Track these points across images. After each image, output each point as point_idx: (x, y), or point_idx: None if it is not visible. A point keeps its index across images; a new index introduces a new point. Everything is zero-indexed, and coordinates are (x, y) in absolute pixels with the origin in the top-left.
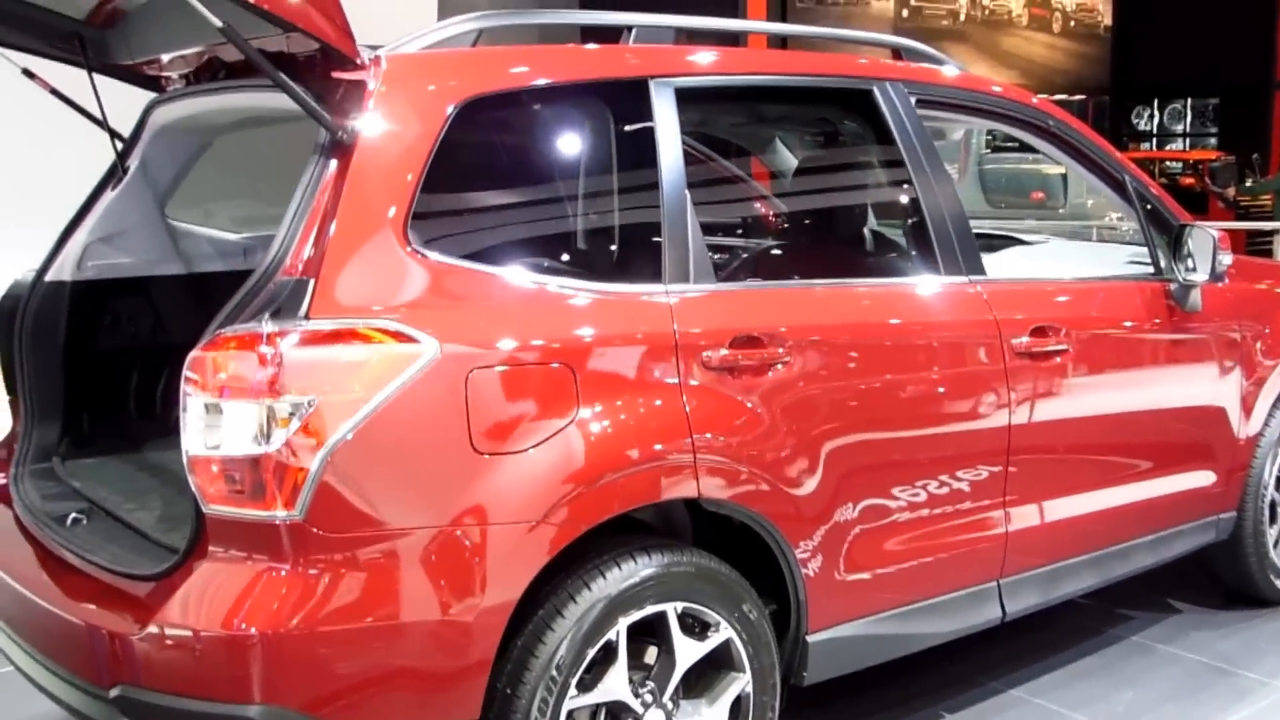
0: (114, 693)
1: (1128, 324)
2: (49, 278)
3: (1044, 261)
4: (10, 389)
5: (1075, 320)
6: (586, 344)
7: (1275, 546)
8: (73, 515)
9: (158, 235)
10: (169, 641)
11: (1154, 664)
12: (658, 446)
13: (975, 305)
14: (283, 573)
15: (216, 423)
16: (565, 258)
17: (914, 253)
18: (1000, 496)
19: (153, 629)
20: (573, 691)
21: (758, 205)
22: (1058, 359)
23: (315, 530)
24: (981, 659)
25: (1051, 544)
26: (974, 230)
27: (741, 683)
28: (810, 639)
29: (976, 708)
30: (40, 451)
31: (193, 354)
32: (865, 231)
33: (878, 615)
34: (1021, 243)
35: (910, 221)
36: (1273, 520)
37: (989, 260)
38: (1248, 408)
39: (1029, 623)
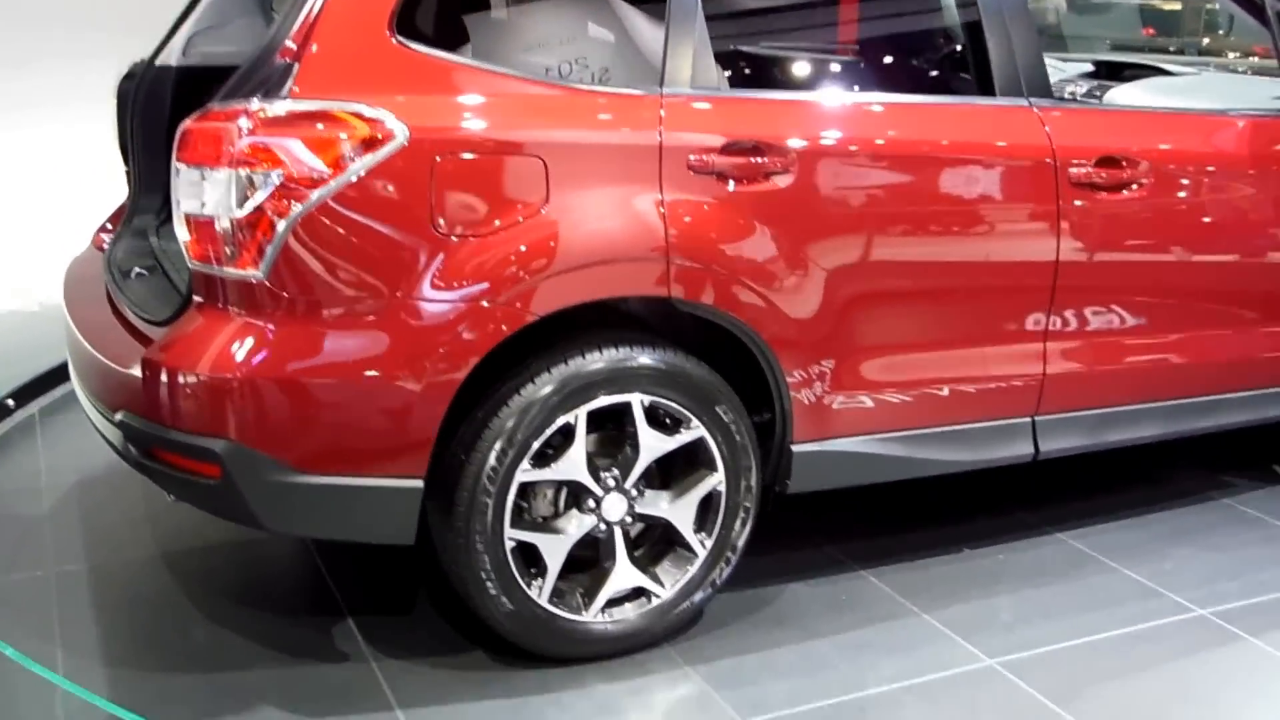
0: (118, 417)
1: (1232, 161)
2: (159, 62)
3: (1174, 94)
4: (126, 160)
5: (1160, 153)
6: (563, 139)
7: None
8: (136, 270)
9: (256, 27)
10: (155, 377)
11: (1228, 526)
12: (628, 242)
13: (1025, 128)
14: (250, 326)
15: (201, 188)
16: (553, 60)
17: (958, 71)
18: (1041, 333)
19: (146, 366)
20: (526, 465)
21: (772, 8)
22: (1128, 192)
23: (279, 291)
24: (1050, 510)
25: (1103, 387)
26: (1113, 59)
27: (713, 481)
28: (795, 449)
29: (1014, 545)
30: (141, 218)
31: (185, 124)
32: (900, 46)
33: (879, 434)
34: (1165, 73)
35: (955, 38)
36: None
37: (1110, 90)
38: None
39: (1108, 477)
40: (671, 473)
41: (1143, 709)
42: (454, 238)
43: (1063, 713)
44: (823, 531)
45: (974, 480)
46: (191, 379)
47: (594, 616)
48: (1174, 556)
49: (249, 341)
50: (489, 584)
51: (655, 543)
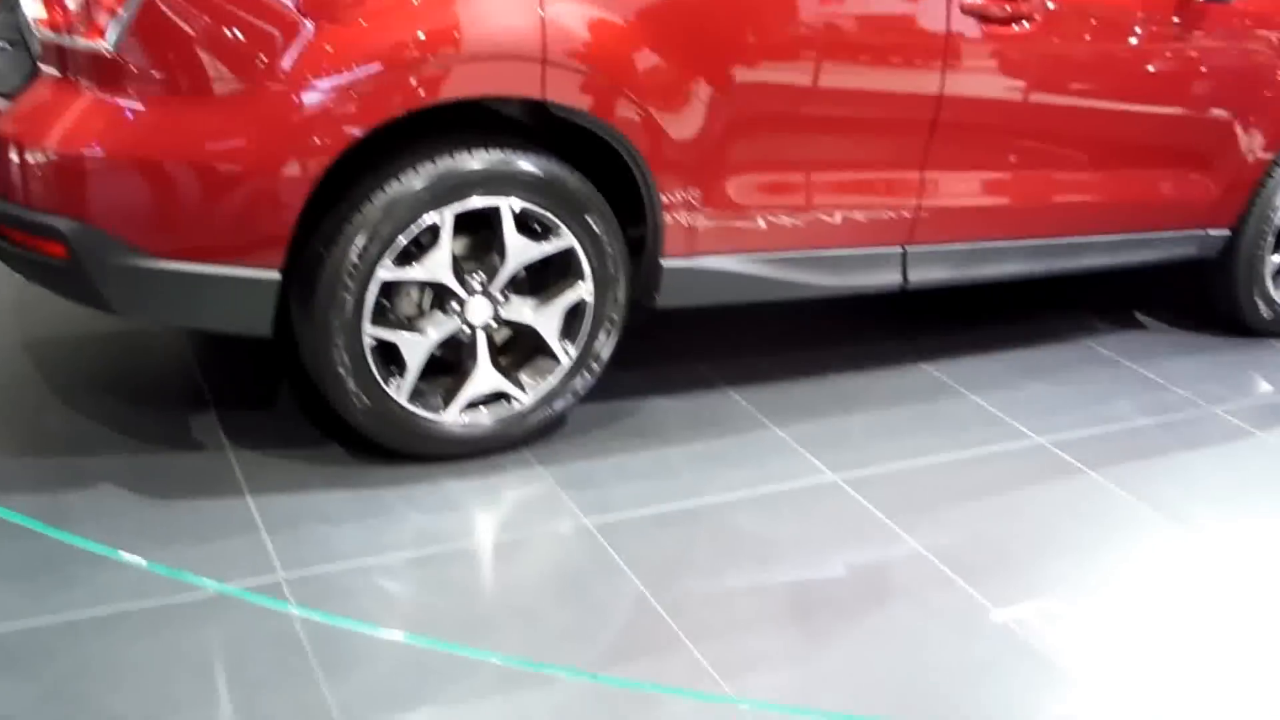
0: None
1: (1125, 10)
2: None
3: None
4: None
5: None
6: None
7: (1276, 277)
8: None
9: None
10: (1, 151)
11: (1083, 365)
12: (502, 39)
13: None
14: (100, 102)
15: None
16: None
17: None
18: (917, 165)
19: None
20: (388, 262)
21: None
22: (1019, 28)
23: (130, 66)
24: (921, 342)
25: (975, 222)
26: None
27: (581, 291)
28: (665, 264)
29: (878, 373)
30: None
31: None
32: None
33: (749, 254)
34: None
35: None
36: (1277, 248)
37: None
38: (1264, 125)
39: (979, 315)
40: (543, 283)
41: (968, 525)
42: (315, 20)
43: (892, 524)
44: (696, 351)
45: (851, 309)
46: (36, 154)
47: (452, 418)
48: (1026, 389)
49: (97, 117)
50: (347, 380)
51: (521, 350)
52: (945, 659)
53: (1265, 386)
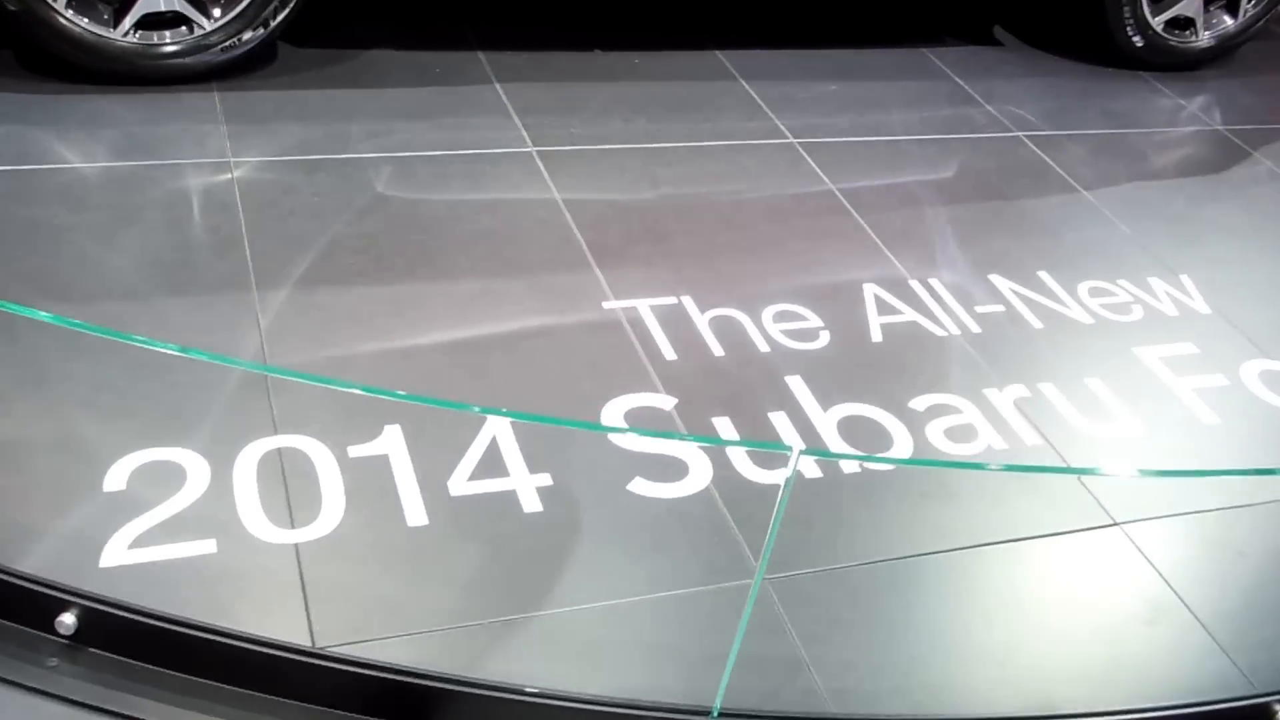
0: None
1: None
2: None
3: None
4: None
5: None
6: None
7: (1153, 1)
8: None
9: None
10: None
11: (902, 74)
12: None
13: None
14: None
15: None
16: None
17: None
18: None
19: None
20: None
21: None
22: None
23: None
24: (733, 39)
25: None
26: None
27: None
28: None
29: (662, 53)
30: None
31: None
32: None
33: None
34: None
35: None
36: None
37: None
38: None
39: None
40: None
41: (695, 208)
42: None
43: (558, 195)
44: (464, 21)
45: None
46: None
47: (121, 35)
48: (815, 89)
49: None
50: None
51: None
52: None
53: (1088, 118)
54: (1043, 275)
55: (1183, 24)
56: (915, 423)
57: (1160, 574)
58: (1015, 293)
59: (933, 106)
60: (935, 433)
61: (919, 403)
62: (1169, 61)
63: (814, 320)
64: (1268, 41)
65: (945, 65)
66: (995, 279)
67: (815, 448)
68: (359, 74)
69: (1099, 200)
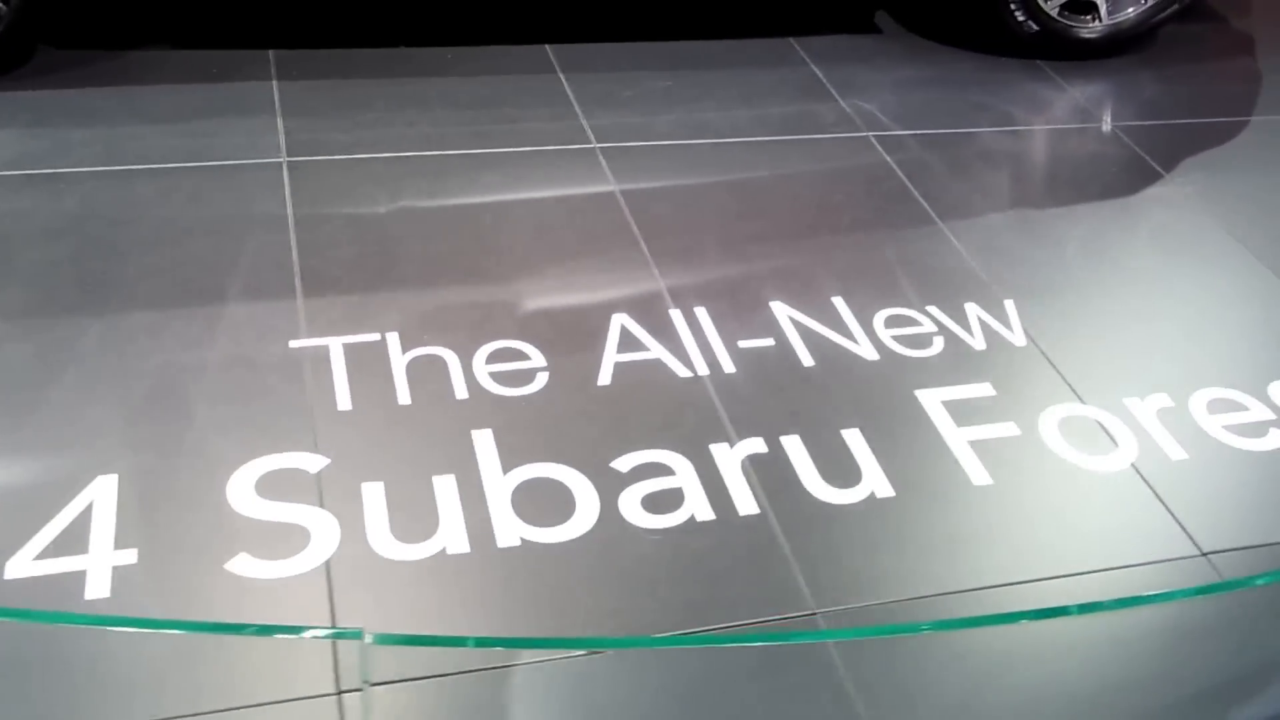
0: None
1: None
2: None
3: None
4: None
5: None
6: None
7: None
8: None
9: None
10: None
11: (753, 64)
12: None
13: None
14: None
15: None
16: None
17: None
18: None
19: None
20: None
21: None
22: None
23: None
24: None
25: None
26: None
27: None
28: None
29: (484, 49)
30: None
31: None
32: None
33: None
34: None
35: None
36: None
37: None
38: None
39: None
40: None
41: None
42: None
43: (290, 212)
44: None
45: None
46: None
47: None
48: (647, 88)
49: None
50: None
51: None
52: None
53: (956, 115)
54: (837, 302)
55: (1083, 8)
56: (611, 487)
57: None
58: (795, 323)
59: (779, 103)
60: (630, 500)
61: (625, 462)
62: (1068, 50)
63: (535, 360)
64: (1204, 24)
65: (809, 56)
66: (777, 306)
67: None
68: (121, 75)
69: (936, 211)
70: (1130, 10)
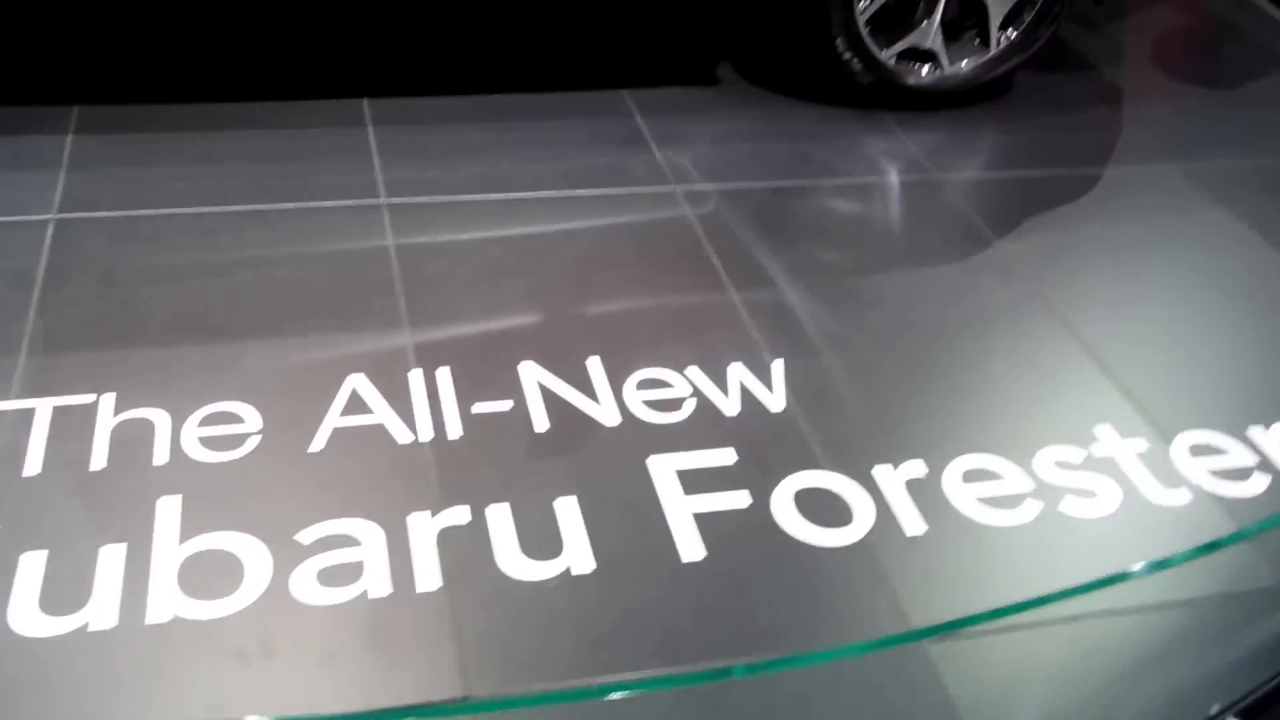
0: None
1: None
2: None
3: None
4: None
5: None
6: None
7: (880, 25)
8: None
9: None
10: None
11: (575, 114)
12: None
13: None
14: None
15: None
16: None
17: None
18: None
19: None
20: None
21: None
22: None
23: None
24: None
25: None
26: None
27: None
28: None
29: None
30: None
31: None
32: None
33: None
34: None
35: None
36: None
37: None
38: None
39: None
40: None
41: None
42: None
43: (41, 270)
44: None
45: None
46: None
47: None
48: (458, 141)
49: None
50: None
51: None
52: None
53: (776, 168)
54: (592, 363)
55: (923, 56)
56: (289, 560)
57: None
58: (541, 386)
59: (591, 156)
60: (305, 574)
61: (311, 533)
62: (908, 100)
63: (250, 424)
64: (1069, 73)
65: (638, 108)
66: (526, 368)
67: None
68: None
69: (726, 268)
70: (964, 64)
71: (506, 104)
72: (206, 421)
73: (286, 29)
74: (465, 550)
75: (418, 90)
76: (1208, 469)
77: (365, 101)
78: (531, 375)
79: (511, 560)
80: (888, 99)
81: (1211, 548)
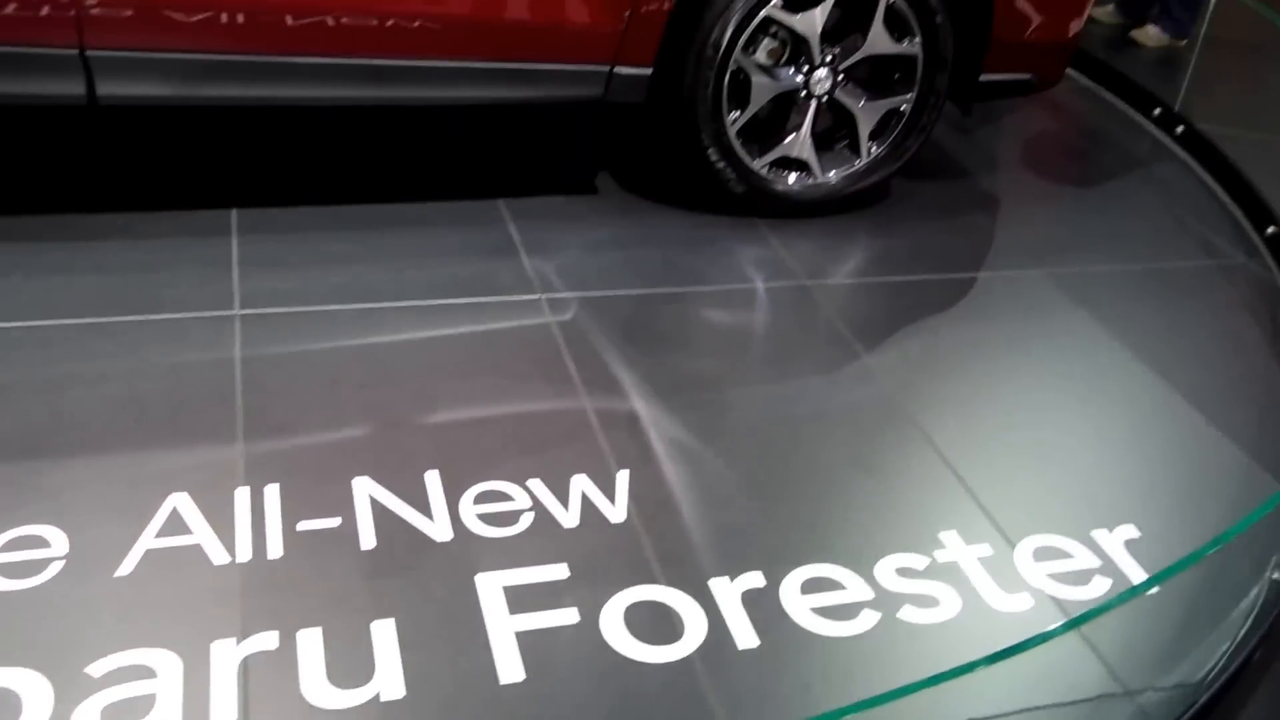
0: None
1: None
2: None
3: None
4: None
5: None
6: None
7: (752, 135)
8: None
9: None
10: None
11: (446, 223)
12: None
13: None
14: None
15: None
16: None
17: None
18: None
19: None
20: None
21: None
22: None
23: None
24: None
25: (200, 29)
26: None
27: None
28: None
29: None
30: None
31: None
32: None
33: None
34: None
35: None
36: (737, 100)
37: None
38: None
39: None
40: None
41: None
42: None
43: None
44: None
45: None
46: None
47: None
48: (322, 251)
49: None
50: None
51: None
52: None
53: (645, 276)
54: (430, 477)
55: (795, 165)
56: (75, 695)
57: None
58: (374, 501)
59: (457, 265)
60: (91, 710)
61: (105, 664)
62: (781, 208)
63: (56, 548)
64: (947, 181)
65: (511, 216)
66: (360, 483)
67: None
68: None
69: (582, 377)
70: (833, 174)
71: (378, 213)
72: (7, 547)
73: (154, 134)
74: (268, 679)
75: (289, 200)
76: (1049, 573)
77: (234, 211)
78: (364, 491)
79: (317, 688)
80: (762, 207)
81: (1042, 639)
